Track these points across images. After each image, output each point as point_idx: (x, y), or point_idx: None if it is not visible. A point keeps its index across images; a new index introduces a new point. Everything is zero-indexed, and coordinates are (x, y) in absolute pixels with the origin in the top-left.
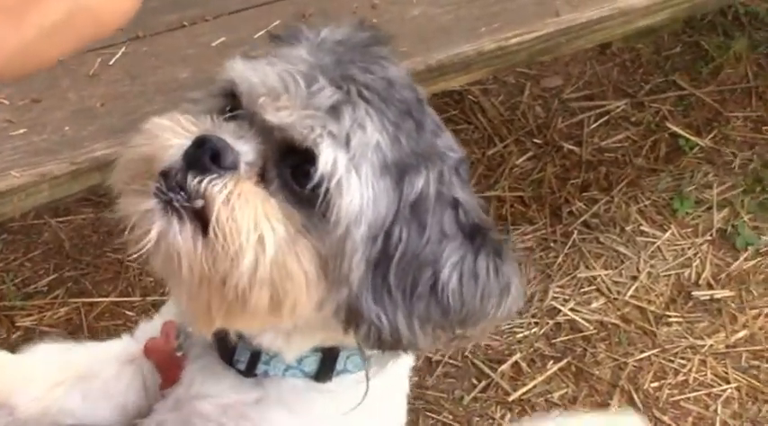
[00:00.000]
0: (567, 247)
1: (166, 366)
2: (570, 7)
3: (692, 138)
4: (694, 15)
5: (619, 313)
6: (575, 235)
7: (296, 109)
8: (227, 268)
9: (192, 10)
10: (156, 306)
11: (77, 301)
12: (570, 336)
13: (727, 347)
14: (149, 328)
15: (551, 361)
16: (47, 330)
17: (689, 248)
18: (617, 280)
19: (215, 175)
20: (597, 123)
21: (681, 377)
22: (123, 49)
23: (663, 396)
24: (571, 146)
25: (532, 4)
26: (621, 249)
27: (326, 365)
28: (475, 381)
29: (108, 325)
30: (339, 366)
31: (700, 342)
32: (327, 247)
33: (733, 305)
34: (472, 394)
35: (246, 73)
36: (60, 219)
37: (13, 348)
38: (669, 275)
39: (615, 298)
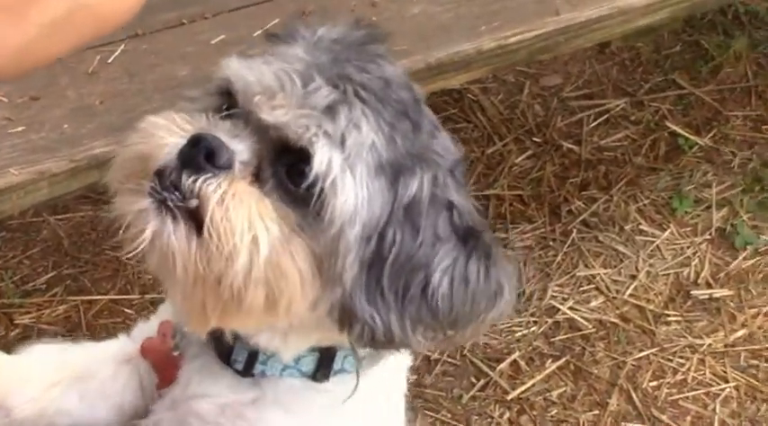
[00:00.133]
0: (566, 246)
1: (163, 366)
2: (570, 6)
3: (692, 137)
4: (694, 14)
5: (618, 312)
6: (574, 234)
7: (291, 108)
8: (222, 267)
9: (191, 8)
10: (155, 304)
11: (76, 299)
12: (569, 335)
13: (725, 346)
14: (146, 328)
15: (550, 360)
16: (45, 327)
17: (688, 247)
18: (616, 279)
19: (209, 175)
20: (596, 122)
21: (679, 376)
22: (122, 47)
23: (661, 395)
24: (570, 145)
25: (532, 2)
26: (620, 248)
27: (324, 364)
28: (473, 380)
29: (107, 323)
30: (336, 365)
31: (698, 341)
32: (322, 246)
33: (732, 304)
34: (471, 393)
35: (242, 71)
36: (59, 217)
37: (11, 345)
38: (668, 274)
39: (614, 297)
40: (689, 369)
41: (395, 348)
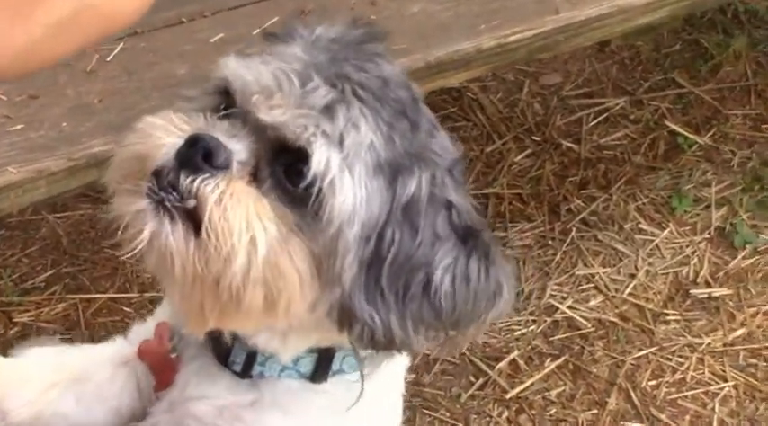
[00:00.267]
0: (566, 245)
1: (160, 368)
2: (569, 5)
3: (691, 136)
4: (694, 13)
5: (617, 311)
6: (573, 233)
7: (289, 107)
8: (220, 268)
9: (190, 6)
10: (154, 302)
11: (75, 297)
12: (568, 334)
13: (724, 345)
14: (143, 330)
15: (549, 359)
16: (44, 326)
17: (687, 246)
18: (615, 278)
19: (207, 175)
20: (596, 121)
21: (678, 376)
22: (121, 45)
23: (660, 394)
24: (570, 144)
25: (532, 1)
26: (620, 247)
27: (322, 365)
28: (472, 378)
29: (105, 321)
30: (335, 366)
31: (697, 341)
32: (320, 246)
33: (731, 303)
34: (470, 392)
35: (240, 71)
36: (58, 215)
37: (10, 344)
38: (667, 273)
39: (613, 296)
40: (688, 368)
41: (395, 348)
